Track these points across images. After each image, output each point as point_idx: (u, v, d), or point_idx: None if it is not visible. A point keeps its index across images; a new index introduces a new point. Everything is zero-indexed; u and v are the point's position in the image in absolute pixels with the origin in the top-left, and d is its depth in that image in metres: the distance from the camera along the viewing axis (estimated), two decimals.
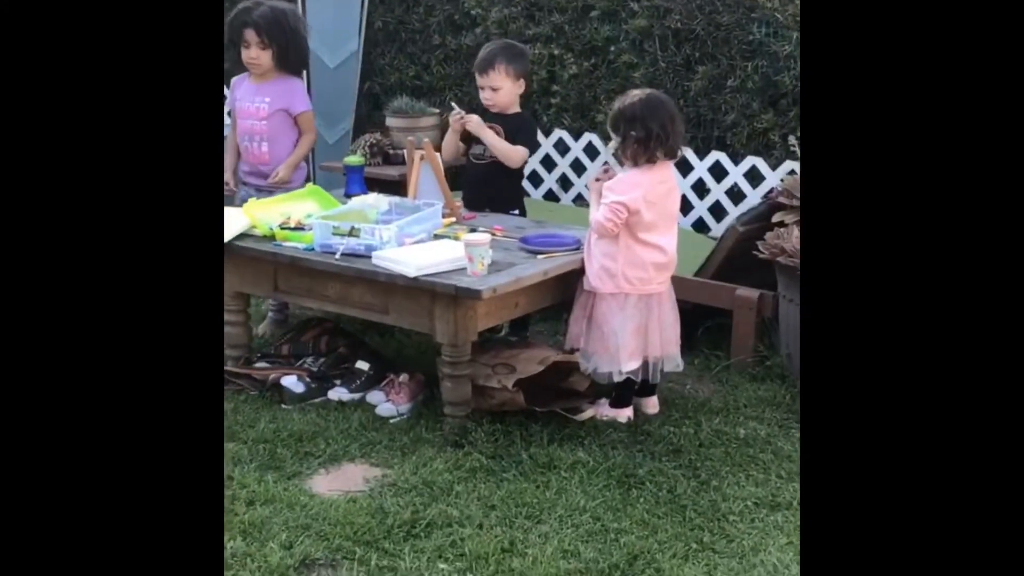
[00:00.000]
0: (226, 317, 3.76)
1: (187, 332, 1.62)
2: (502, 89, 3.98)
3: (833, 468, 1.53)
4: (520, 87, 4.04)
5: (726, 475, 3.16)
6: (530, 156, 4.10)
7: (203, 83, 1.69)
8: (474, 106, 4.13)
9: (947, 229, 1.52)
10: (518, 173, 4.15)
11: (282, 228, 3.68)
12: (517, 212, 4.15)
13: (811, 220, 1.64)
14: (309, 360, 3.86)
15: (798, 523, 2.88)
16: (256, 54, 4.24)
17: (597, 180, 3.49)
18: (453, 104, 4.13)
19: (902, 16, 1.57)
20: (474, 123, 3.97)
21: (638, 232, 3.38)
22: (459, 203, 4.00)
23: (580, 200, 5.30)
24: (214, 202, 1.79)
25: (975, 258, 1.51)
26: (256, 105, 4.29)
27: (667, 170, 3.48)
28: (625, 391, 3.56)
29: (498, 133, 4.01)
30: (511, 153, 4.00)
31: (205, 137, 1.70)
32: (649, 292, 3.44)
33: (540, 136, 5.36)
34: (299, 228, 3.67)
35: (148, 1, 1.65)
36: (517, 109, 4.10)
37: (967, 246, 1.51)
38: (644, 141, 3.35)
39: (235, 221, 3.72)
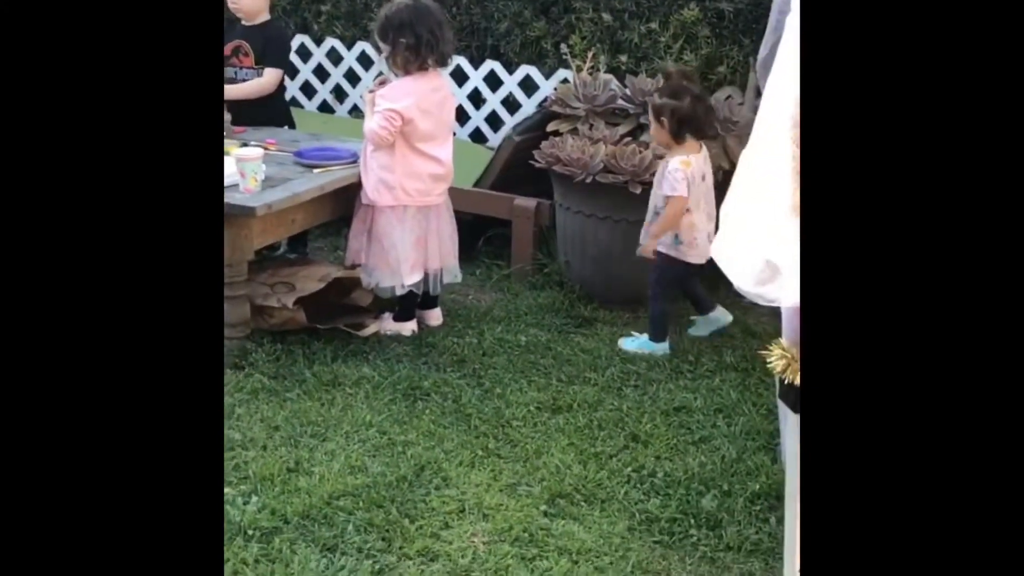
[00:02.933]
0: None
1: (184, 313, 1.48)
2: None
3: (832, 471, 1.49)
4: None
5: (509, 382, 3.22)
6: (284, 71, 3.97)
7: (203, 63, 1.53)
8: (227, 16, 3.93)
9: (952, 229, 1.48)
10: (278, 89, 4.00)
11: None
12: (285, 127, 4.02)
13: (811, 219, 1.57)
14: None
15: (578, 424, 2.98)
16: None
17: (371, 91, 3.42)
18: None
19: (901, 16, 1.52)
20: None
21: (415, 142, 3.35)
22: (227, 116, 3.83)
23: (356, 112, 5.18)
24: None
25: (976, 259, 1.47)
26: None
27: (439, 78, 3.45)
28: (408, 304, 3.55)
29: (248, 53, 3.88)
30: (263, 87, 3.88)
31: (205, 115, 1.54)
32: (428, 204, 3.43)
33: (312, 45, 5.21)
34: None
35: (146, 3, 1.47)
36: (266, 16, 3.94)
37: (973, 247, 1.47)
38: (414, 48, 3.30)
39: None
